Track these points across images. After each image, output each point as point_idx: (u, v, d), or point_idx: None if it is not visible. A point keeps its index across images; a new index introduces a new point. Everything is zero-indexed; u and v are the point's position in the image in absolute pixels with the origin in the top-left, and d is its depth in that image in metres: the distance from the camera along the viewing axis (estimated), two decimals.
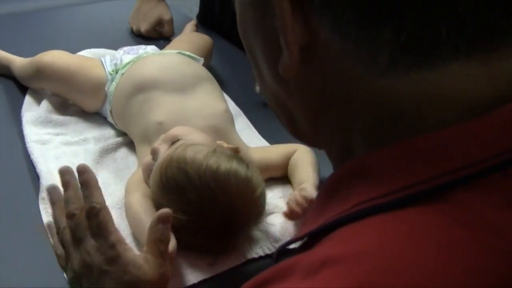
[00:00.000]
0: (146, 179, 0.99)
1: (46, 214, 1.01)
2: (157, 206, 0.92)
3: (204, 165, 0.87)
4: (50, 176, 1.08)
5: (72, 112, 1.30)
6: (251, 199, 0.90)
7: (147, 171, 0.98)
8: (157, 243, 0.77)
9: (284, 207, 1.00)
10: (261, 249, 0.94)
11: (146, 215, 0.91)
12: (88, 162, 1.14)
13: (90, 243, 0.75)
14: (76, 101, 1.29)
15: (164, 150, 0.97)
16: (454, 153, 0.38)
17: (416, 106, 0.39)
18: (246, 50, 0.49)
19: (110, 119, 1.25)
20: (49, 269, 0.92)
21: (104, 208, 0.76)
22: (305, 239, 0.44)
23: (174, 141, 0.98)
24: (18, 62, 1.38)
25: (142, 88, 1.16)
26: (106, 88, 1.24)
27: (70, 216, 0.77)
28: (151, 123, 1.10)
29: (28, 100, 1.33)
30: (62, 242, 0.79)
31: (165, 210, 0.78)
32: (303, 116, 0.47)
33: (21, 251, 0.95)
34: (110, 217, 0.76)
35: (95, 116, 1.29)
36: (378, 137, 0.41)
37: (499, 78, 0.39)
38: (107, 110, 1.24)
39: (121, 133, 1.23)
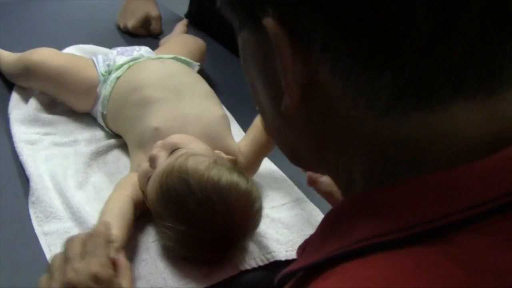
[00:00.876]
0: (143, 186, 0.98)
1: (36, 219, 1.00)
2: (155, 214, 0.92)
3: (206, 177, 0.87)
4: (40, 179, 1.06)
5: (61, 111, 1.27)
6: (249, 212, 0.90)
7: (144, 178, 0.97)
8: (125, 269, 0.79)
9: (275, 217, 1.01)
10: (254, 261, 0.94)
11: (116, 216, 0.90)
12: (79, 164, 1.13)
13: (80, 263, 0.75)
14: (66, 101, 1.26)
15: (163, 158, 0.96)
16: (458, 194, 0.38)
17: (416, 146, 0.40)
18: (248, 82, 0.49)
19: (100, 121, 1.23)
20: (37, 274, 0.92)
21: (103, 236, 0.78)
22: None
23: (173, 149, 0.97)
24: (4, 57, 1.34)
25: (139, 94, 1.14)
26: (97, 90, 1.22)
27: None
28: (147, 129, 1.09)
29: (15, 97, 1.29)
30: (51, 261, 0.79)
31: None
32: (304, 149, 0.48)
33: (10, 255, 0.94)
34: (106, 244, 0.77)
35: (84, 116, 1.27)
36: (380, 173, 0.42)
37: (498, 119, 0.39)
38: (97, 112, 1.22)
39: (111, 135, 1.22)
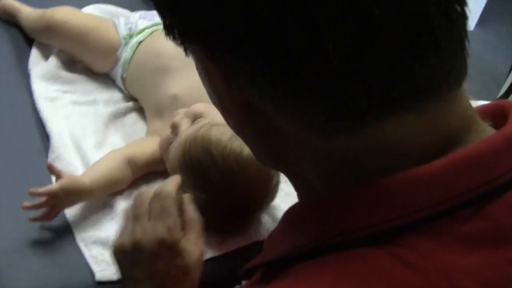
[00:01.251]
0: (164, 153, 0.99)
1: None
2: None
3: (229, 148, 0.88)
4: (60, 137, 1.07)
5: (80, 70, 1.28)
6: (267, 185, 0.92)
7: (165, 144, 0.99)
8: (194, 222, 0.77)
9: (290, 191, 1.04)
10: (267, 232, 0.96)
11: (98, 168, 0.96)
12: (98, 125, 1.15)
13: (148, 223, 0.73)
14: (86, 61, 1.27)
15: (185, 126, 0.97)
16: (404, 198, 0.39)
17: (358, 159, 0.41)
18: None
19: (119, 83, 1.24)
20: (58, 229, 0.94)
21: (172, 198, 0.75)
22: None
23: (196, 118, 0.98)
24: (26, 12, 1.34)
25: (160, 61, 1.15)
26: (118, 52, 1.23)
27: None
28: (165, 95, 1.10)
29: (35, 53, 1.30)
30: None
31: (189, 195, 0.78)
32: (262, 156, 0.50)
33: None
34: (174, 205, 0.76)
35: (103, 77, 1.28)
36: (334, 179, 0.43)
37: (439, 123, 0.41)
38: (117, 74, 1.23)
39: (130, 97, 1.23)
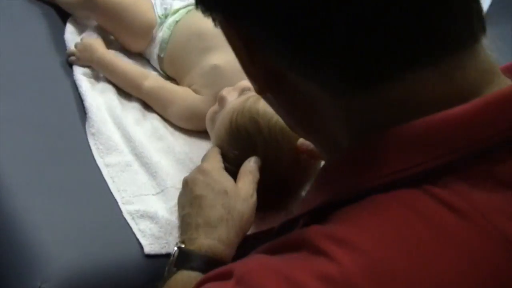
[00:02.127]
0: (210, 125, 0.99)
1: (97, 150, 1.01)
2: (222, 153, 0.92)
3: (275, 119, 0.88)
4: (99, 112, 1.06)
5: (115, 48, 1.26)
6: (311, 161, 0.91)
7: (211, 115, 0.99)
8: (247, 173, 0.84)
9: None
10: None
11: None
12: (136, 101, 1.14)
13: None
14: (120, 38, 1.26)
15: (232, 99, 0.96)
16: (438, 140, 0.40)
17: (378, 113, 0.43)
18: None
19: (155, 63, 1.23)
20: (97, 202, 0.94)
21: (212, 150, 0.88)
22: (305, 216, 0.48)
23: (243, 92, 0.98)
24: None
25: (200, 40, 1.14)
26: (154, 31, 1.22)
27: None
28: (206, 66, 1.09)
29: (69, 29, 1.27)
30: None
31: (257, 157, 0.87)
32: (290, 121, 0.52)
33: (74, 185, 0.96)
34: (213, 152, 0.88)
35: (136, 57, 1.26)
36: (357, 136, 0.44)
37: (456, 76, 0.42)
38: (152, 54, 1.22)
39: (165, 77, 1.22)
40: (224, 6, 0.44)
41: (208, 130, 1.02)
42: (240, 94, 0.98)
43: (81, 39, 1.19)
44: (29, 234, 0.86)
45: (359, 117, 0.44)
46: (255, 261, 0.42)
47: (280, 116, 0.53)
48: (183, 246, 0.77)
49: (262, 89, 0.48)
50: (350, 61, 0.41)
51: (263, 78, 0.46)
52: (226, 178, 0.83)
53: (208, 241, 0.76)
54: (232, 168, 0.88)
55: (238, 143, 0.90)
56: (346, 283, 0.37)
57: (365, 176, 0.42)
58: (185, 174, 0.97)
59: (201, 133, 1.10)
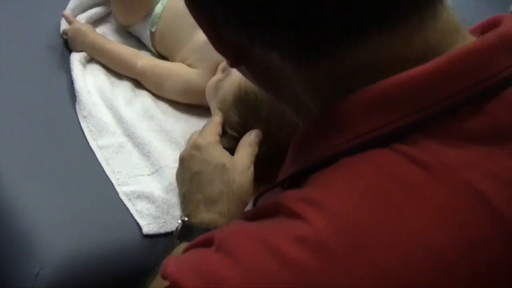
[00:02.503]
0: (212, 93, 0.98)
1: (90, 133, 0.99)
2: (225, 116, 0.91)
3: None
4: (89, 95, 1.04)
5: (106, 29, 1.23)
6: None
7: (214, 83, 0.97)
8: (246, 145, 0.84)
9: None
10: None
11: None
12: (126, 82, 1.12)
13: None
14: (118, 6, 1.21)
15: None
16: (405, 99, 0.40)
17: (341, 79, 0.43)
18: None
19: (146, 40, 1.20)
20: (96, 186, 0.93)
21: (213, 120, 0.88)
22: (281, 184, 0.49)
23: None
24: None
25: (190, 19, 1.11)
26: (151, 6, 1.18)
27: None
28: (200, 41, 1.07)
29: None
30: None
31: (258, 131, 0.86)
32: (267, 92, 0.53)
33: (68, 168, 0.94)
34: (212, 124, 0.87)
35: (127, 36, 1.23)
36: (326, 101, 0.45)
37: (414, 39, 0.41)
38: (142, 30, 1.19)
39: (156, 55, 1.19)
40: None
41: (208, 99, 1.01)
42: None
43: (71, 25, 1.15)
44: (25, 220, 0.85)
45: (323, 83, 0.44)
46: (234, 227, 0.43)
47: (257, 87, 0.54)
48: (186, 219, 0.78)
49: (232, 63, 0.49)
50: (303, 30, 0.41)
51: (232, 53, 0.48)
52: (222, 152, 0.83)
53: (209, 215, 0.78)
54: (233, 134, 0.88)
55: (244, 107, 0.89)
56: (318, 243, 0.37)
57: (334, 141, 0.43)
58: (178, 152, 0.96)
59: (191, 110, 1.09)
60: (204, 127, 0.89)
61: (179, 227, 0.79)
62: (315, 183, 0.42)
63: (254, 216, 0.44)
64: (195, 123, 1.06)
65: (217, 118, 0.89)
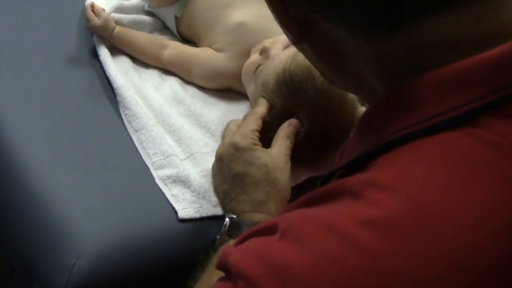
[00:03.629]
0: (249, 75, 0.96)
1: (125, 117, 0.97)
2: (267, 99, 0.89)
3: None
4: (120, 79, 1.01)
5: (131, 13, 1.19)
6: (355, 117, 0.89)
7: (252, 66, 0.96)
8: (285, 138, 0.83)
9: None
10: None
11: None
12: (153, 67, 1.09)
13: (227, 136, 0.86)
14: None
15: (277, 51, 0.93)
16: (478, 80, 0.39)
17: (410, 57, 0.42)
18: None
19: (171, 24, 1.16)
20: (125, 171, 0.90)
21: (254, 112, 0.87)
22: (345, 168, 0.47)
23: (287, 46, 0.94)
24: None
25: None
26: None
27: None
28: (230, 23, 1.04)
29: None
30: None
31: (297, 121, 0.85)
32: (328, 72, 0.51)
33: (106, 151, 0.92)
34: (254, 117, 0.86)
35: (153, 22, 1.19)
36: (392, 81, 0.43)
37: (486, 17, 0.40)
38: (169, 15, 1.15)
39: (181, 40, 1.16)
40: None
41: (245, 82, 0.99)
42: (284, 47, 0.94)
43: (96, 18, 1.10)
44: (59, 211, 0.82)
45: (392, 62, 0.42)
46: (297, 214, 0.42)
47: (316, 67, 0.53)
48: (234, 217, 0.79)
49: (296, 39, 0.47)
50: (377, 3, 0.39)
51: (297, 28, 0.46)
52: (262, 151, 0.82)
53: (258, 215, 0.78)
54: (275, 121, 0.87)
55: (288, 91, 0.87)
56: (389, 226, 0.36)
57: (404, 122, 0.41)
58: (207, 137, 0.95)
59: (220, 94, 1.07)
60: (243, 122, 0.86)
61: (227, 224, 0.79)
62: (382, 165, 0.40)
63: (315, 200, 0.42)
64: (224, 107, 1.03)
65: (259, 109, 0.86)
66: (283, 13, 0.45)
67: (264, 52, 0.95)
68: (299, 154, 0.88)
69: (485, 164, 0.38)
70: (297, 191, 0.85)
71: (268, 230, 0.42)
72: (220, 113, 1.01)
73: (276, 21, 0.47)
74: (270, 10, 0.47)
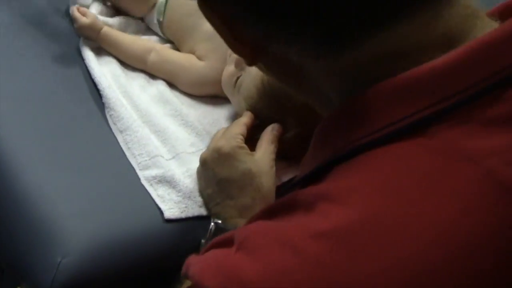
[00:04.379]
0: (229, 89, 0.96)
1: (110, 117, 0.96)
2: (253, 111, 0.90)
3: None
4: (105, 80, 1.02)
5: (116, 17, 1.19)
6: None
7: (230, 79, 0.95)
8: (269, 143, 0.84)
9: None
10: None
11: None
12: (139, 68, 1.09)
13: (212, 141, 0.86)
14: (121, 4, 1.18)
15: None
16: (426, 90, 0.39)
17: (362, 70, 0.42)
18: None
19: (155, 28, 1.17)
20: (111, 171, 0.90)
21: (238, 121, 0.87)
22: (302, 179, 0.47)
23: None
24: None
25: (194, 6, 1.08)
26: None
27: None
28: (209, 30, 1.00)
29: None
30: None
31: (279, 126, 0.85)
32: (288, 88, 0.52)
33: (92, 152, 0.92)
34: (238, 125, 0.86)
35: (139, 23, 1.20)
36: (348, 93, 0.43)
37: (435, 25, 0.40)
38: (152, 18, 1.16)
39: (166, 40, 1.16)
40: None
41: (228, 94, 0.98)
42: None
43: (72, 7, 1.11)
44: (46, 209, 0.82)
45: (345, 75, 0.43)
46: (254, 226, 0.43)
47: (278, 82, 0.53)
48: (219, 222, 0.79)
49: (250, 61, 0.47)
50: (322, 24, 0.40)
51: (248, 51, 0.46)
52: (246, 156, 0.82)
53: (243, 220, 0.77)
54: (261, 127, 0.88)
55: (270, 100, 0.88)
56: (336, 237, 0.37)
57: (357, 133, 0.41)
58: (193, 136, 0.94)
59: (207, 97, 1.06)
60: (228, 128, 0.87)
61: (212, 229, 0.79)
62: (334, 177, 0.41)
63: (272, 213, 0.43)
64: (209, 108, 1.03)
65: (243, 119, 0.87)
66: (232, 39, 0.45)
67: (239, 64, 0.94)
68: (288, 153, 0.89)
69: (433, 173, 0.38)
70: (282, 191, 0.85)
71: (227, 242, 0.43)
72: (206, 112, 1.01)
73: (227, 45, 0.47)
74: (220, 35, 0.46)
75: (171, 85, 1.06)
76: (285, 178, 0.89)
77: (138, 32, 1.19)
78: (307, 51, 0.42)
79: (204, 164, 0.84)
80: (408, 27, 0.40)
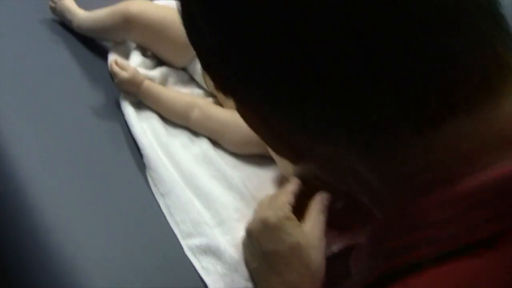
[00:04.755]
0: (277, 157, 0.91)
1: (151, 179, 0.93)
2: (300, 177, 0.83)
3: None
4: (145, 137, 0.99)
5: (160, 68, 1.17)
6: None
7: None
8: (319, 213, 0.77)
9: None
10: None
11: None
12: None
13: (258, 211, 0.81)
14: (162, 55, 1.16)
15: None
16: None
17: (415, 172, 0.39)
18: None
19: (198, 77, 1.14)
20: (153, 237, 0.87)
21: (285, 190, 0.81)
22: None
23: None
24: (84, 14, 1.23)
25: None
26: None
27: None
28: None
29: (112, 57, 1.15)
30: None
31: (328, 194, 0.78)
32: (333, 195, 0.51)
33: (124, 222, 0.89)
34: (285, 194, 0.79)
35: (181, 74, 1.17)
36: (402, 193, 0.40)
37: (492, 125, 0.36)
38: (196, 69, 1.14)
39: (209, 93, 1.13)
40: (232, 91, 0.43)
41: (274, 156, 0.93)
42: None
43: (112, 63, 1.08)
44: (83, 280, 0.79)
45: (394, 178, 0.40)
46: None
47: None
48: None
49: (294, 161, 0.45)
50: (368, 133, 0.38)
51: (291, 152, 0.44)
52: (295, 228, 0.76)
53: None
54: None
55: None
56: None
57: (418, 251, 0.38)
58: (239, 201, 0.90)
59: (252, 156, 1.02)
60: (275, 196, 0.81)
61: None
62: None
63: None
64: (255, 169, 0.99)
65: (291, 187, 0.81)
66: (273, 138, 0.44)
67: None
68: (335, 221, 0.84)
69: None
70: (331, 262, 0.80)
71: None
72: (252, 174, 0.97)
73: (271, 149, 0.46)
74: (265, 142, 0.45)
75: (215, 143, 1.03)
76: (336, 248, 0.84)
77: (180, 82, 1.16)
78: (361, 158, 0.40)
79: (250, 235, 0.79)
80: (467, 123, 0.37)
